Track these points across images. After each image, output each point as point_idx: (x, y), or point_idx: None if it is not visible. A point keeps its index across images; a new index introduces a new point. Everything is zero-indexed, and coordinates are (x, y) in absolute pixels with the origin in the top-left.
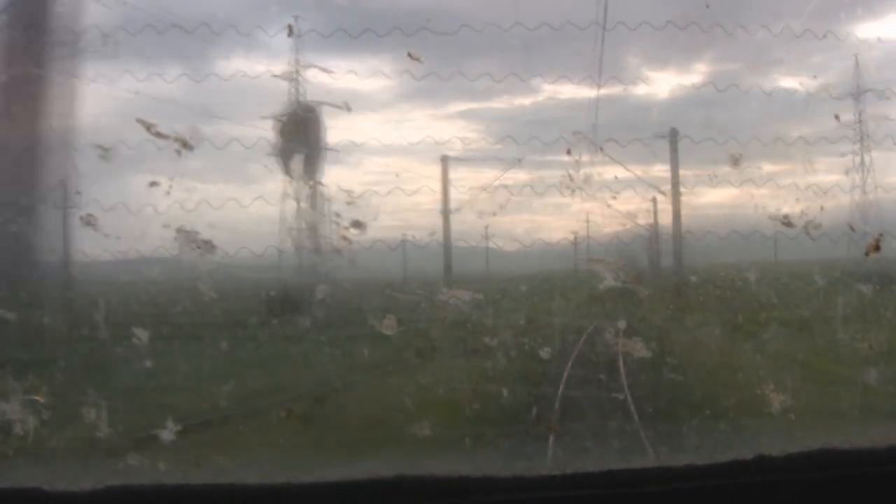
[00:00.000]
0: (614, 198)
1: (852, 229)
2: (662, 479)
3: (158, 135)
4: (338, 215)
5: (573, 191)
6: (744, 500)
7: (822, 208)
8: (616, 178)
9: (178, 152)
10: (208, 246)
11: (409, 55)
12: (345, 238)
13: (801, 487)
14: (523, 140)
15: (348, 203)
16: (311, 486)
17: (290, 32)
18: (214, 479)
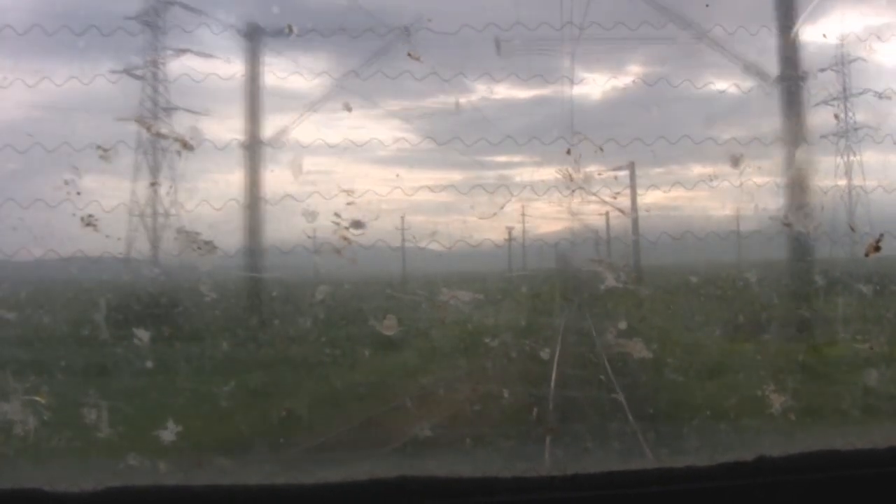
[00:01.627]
0: (614, 197)
1: (852, 230)
2: (663, 481)
3: (158, 135)
4: (337, 215)
5: (573, 191)
6: (744, 502)
7: (822, 208)
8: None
9: (179, 153)
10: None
11: (410, 55)
12: (345, 238)
13: (801, 488)
14: (445, 139)
15: (349, 203)
16: (313, 487)
17: (290, 31)
18: (215, 481)
